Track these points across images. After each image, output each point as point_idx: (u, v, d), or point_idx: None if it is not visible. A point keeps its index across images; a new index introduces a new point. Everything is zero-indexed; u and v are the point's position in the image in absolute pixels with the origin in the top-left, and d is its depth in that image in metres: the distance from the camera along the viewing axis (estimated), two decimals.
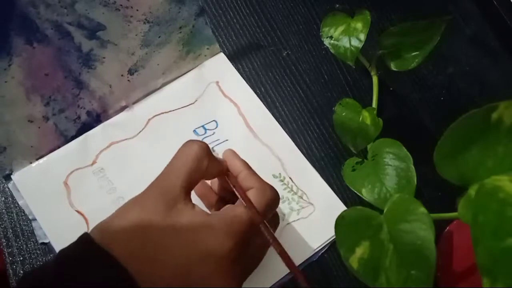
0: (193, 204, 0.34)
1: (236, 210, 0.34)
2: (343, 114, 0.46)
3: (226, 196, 0.40)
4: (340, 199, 0.46)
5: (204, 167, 0.35)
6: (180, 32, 0.48)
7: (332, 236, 0.44)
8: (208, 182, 0.42)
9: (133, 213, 0.32)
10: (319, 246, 0.45)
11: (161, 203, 0.32)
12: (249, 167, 0.38)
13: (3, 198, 0.47)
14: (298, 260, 0.44)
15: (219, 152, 0.48)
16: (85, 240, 0.31)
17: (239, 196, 0.36)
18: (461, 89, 0.52)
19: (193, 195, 0.36)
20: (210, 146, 0.48)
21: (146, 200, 0.33)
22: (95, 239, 0.30)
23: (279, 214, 0.46)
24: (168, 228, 0.32)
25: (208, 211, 0.36)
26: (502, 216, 0.28)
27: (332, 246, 0.45)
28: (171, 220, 0.32)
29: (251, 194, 0.36)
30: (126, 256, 0.30)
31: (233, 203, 0.37)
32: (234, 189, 0.37)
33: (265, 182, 0.37)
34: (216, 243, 0.32)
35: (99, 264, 0.29)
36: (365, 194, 0.41)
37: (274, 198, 0.37)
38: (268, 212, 0.36)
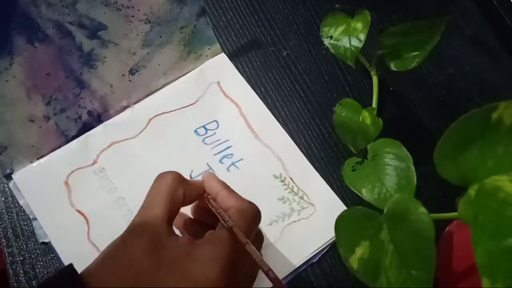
0: (177, 236, 0.34)
1: (218, 235, 0.34)
2: (343, 114, 0.46)
3: (207, 219, 0.40)
4: (340, 199, 0.46)
5: (180, 196, 0.35)
6: (181, 32, 0.49)
7: (333, 237, 0.44)
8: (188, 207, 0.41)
9: (120, 257, 0.32)
10: (320, 247, 0.45)
11: (145, 241, 0.32)
12: (227, 187, 0.38)
13: (3, 198, 0.47)
14: (298, 261, 0.44)
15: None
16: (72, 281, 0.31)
17: (219, 218, 0.35)
18: (461, 89, 0.52)
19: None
20: (211, 146, 0.48)
21: (131, 240, 0.33)
22: (83, 277, 0.30)
23: (280, 215, 0.46)
24: (155, 267, 0.31)
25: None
26: (502, 216, 0.29)
27: (333, 247, 0.45)
28: (157, 258, 0.32)
29: (230, 214, 0.35)
30: None
31: (215, 226, 0.36)
32: (214, 211, 0.36)
33: (244, 199, 0.37)
34: (202, 273, 0.31)
35: None
36: (365, 194, 0.41)
37: (255, 215, 0.36)
38: (250, 230, 0.35)
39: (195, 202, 0.40)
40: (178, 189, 0.35)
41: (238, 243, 0.33)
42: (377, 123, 0.45)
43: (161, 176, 0.36)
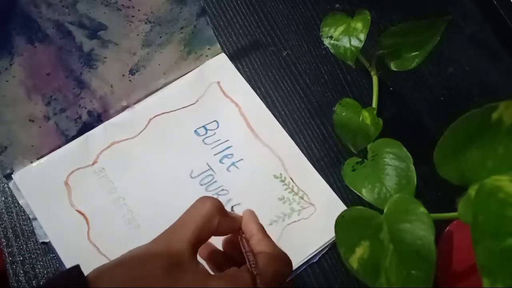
0: (198, 262, 0.33)
1: (239, 275, 0.33)
2: (343, 114, 0.46)
3: (235, 256, 0.39)
4: (340, 199, 0.46)
5: (215, 226, 0.35)
6: (182, 33, 0.49)
7: (333, 237, 0.44)
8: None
9: (137, 264, 0.32)
10: (320, 247, 0.44)
11: (165, 258, 0.32)
12: (263, 231, 0.37)
13: (3, 198, 0.47)
14: (298, 261, 0.44)
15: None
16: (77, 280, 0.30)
17: (247, 260, 0.35)
18: (461, 89, 0.52)
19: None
20: (211, 146, 0.48)
21: (152, 252, 0.33)
22: (89, 279, 0.30)
23: (280, 215, 0.46)
24: (168, 285, 0.31)
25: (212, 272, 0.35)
26: (502, 216, 0.29)
27: (332, 247, 0.45)
28: (173, 279, 0.31)
29: (259, 260, 0.34)
30: None
31: (240, 265, 0.36)
32: (244, 251, 0.36)
33: (277, 247, 0.36)
34: None
35: None
36: (365, 194, 0.41)
37: (285, 266, 0.35)
38: (275, 280, 0.34)
39: (228, 236, 0.39)
40: (214, 218, 0.35)
41: None
42: (377, 123, 0.45)
43: (201, 200, 0.36)
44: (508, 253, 0.27)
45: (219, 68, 0.52)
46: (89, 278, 0.30)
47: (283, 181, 0.47)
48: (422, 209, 0.35)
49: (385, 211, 0.38)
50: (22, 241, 0.45)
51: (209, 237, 0.35)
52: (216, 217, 0.35)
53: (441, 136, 0.34)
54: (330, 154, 0.49)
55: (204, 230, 0.34)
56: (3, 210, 0.46)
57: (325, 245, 0.45)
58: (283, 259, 0.35)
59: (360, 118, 0.46)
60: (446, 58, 0.53)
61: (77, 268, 0.30)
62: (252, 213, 0.39)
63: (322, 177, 0.47)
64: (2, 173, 0.46)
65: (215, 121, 0.50)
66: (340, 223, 0.39)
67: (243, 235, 0.37)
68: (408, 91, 0.52)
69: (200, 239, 0.34)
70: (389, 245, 0.35)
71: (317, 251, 0.45)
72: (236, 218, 0.38)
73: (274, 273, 0.34)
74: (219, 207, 0.35)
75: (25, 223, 0.46)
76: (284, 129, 0.49)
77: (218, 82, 0.51)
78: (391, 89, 0.52)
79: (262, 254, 0.35)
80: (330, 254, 0.45)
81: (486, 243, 0.28)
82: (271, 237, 0.44)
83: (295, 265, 0.44)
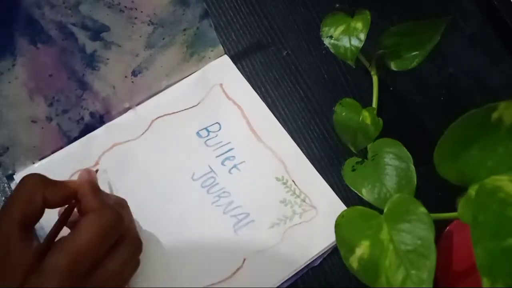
0: (29, 240, 0.34)
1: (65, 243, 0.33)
2: (343, 114, 0.47)
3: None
4: (340, 199, 0.46)
5: (39, 200, 0.35)
6: (184, 34, 0.49)
7: (335, 241, 0.44)
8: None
9: None
10: (321, 251, 0.44)
11: None
12: (95, 189, 0.38)
13: (4, 198, 0.47)
14: (299, 264, 0.44)
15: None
16: None
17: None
18: (461, 89, 0.52)
19: None
20: (213, 148, 0.48)
21: None
22: None
23: (282, 217, 0.45)
24: None
25: None
26: (502, 216, 0.29)
27: (334, 251, 0.45)
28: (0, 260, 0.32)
29: (87, 220, 0.34)
30: None
31: None
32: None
33: (106, 205, 0.36)
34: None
35: None
36: (365, 194, 0.41)
37: (111, 221, 0.35)
38: (102, 237, 0.34)
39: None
40: (37, 192, 0.35)
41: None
42: (377, 123, 0.45)
43: (22, 178, 0.36)
44: (508, 253, 0.27)
45: (222, 70, 0.52)
46: None
47: (285, 184, 0.47)
48: (422, 209, 0.35)
49: (385, 211, 0.38)
50: None
51: (40, 211, 0.36)
52: (39, 191, 0.35)
53: (441, 136, 0.34)
54: (330, 154, 0.49)
55: (28, 207, 0.35)
56: None
57: (327, 249, 0.44)
58: (110, 213, 0.35)
59: (360, 118, 0.46)
60: (446, 58, 0.53)
61: None
62: (87, 172, 0.39)
63: (322, 177, 0.47)
64: (4, 173, 0.47)
65: (217, 123, 0.50)
66: (340, 223, 0.39)
67: (73, 202, 0.37)
68: (408, 91, 0.52)
69: (28, 216, 0.35)
70: (389, 245, 0.35)
71: (318, 255, 0.44)
72: (68, 185, 0.38)
73: (100, 229, 0.34)
74: (42, 181, 0.36)
75: None
76: (284, 129, 0.49)
77: (221, 84, 0.51)
78: (391, 89, 0.52)
79: (90, 214, 0.35)
80: (333, 258, 0.45)
81: (486, 243, 0.28)
82: (272, 239, 0.44)
83: (296, 268, 0.43)
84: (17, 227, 0.34)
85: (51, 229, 0.36)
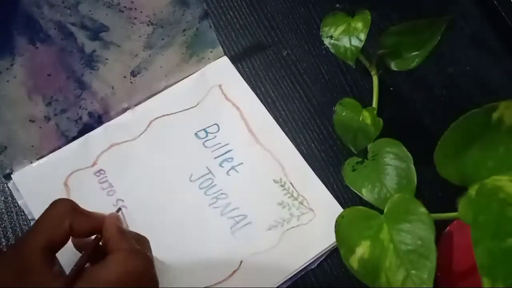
0: (52, 266, 0.33)
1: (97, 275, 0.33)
2: (343, 114, 0.47)
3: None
4: (340, 199, 0.46)
5: (66, 227, 0.35)
6: (184, 35, 0.49)
7: (332, 244, 0.44)
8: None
9: None
10: (319, 253, 0.44)
11: (14, 266, 0.32)
12: (122, 233, 0.37)
13: (3, 198, 0.47)
14: (296, 267, 0.43)
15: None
16: None
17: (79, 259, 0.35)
18: (461, 89, 0.52)
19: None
20: (211, 149, 0.48)
21: (2, 260, 0.33)
22: None
23: (279, 220, 0.45)
24: None
25: None
26: (502, 216, 0.29)
27: (332, 254, 0.44)
28: (21, 284, 0.32)
29: (119, 257, 0.34)
30: None
31: None
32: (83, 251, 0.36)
33: (138, 249, 0.36)
34: None
35: None
36: (365, 194, 0.41)
37: (144, 266, 0.35)
38: (134, 276, 0.34)
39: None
40: (65, 219, 0.35)
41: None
42: (377, 123, 0.45)
43: (52, 203, 0.36)
44: (508, 253, 0.27)
45: (221, 71, 0.52)
46: None
47: (283, 186, 0.47)
48: (422, 209, 0.35)
49: (385, 211, 0.38)
50: None
51: (65, 238, 0.35)
52: (67, 219, 0.35)
53: (442, 136, 0.34)
54: (330, 154, 0.49)
55: (55, 233, 0.34)
56: (3, 210, 0.46)
57: (324, 252, 0.44)
58: (141, 255, 0.35)
59: (360, 118, 0.46)
60: (446, 58, 0.53)
61: None
62: (115, 218, 0.38)
63: (322, 177, 0.47)
64: (1, 173, 0.46)
65: (215, 124, 0.49)
66: (341, 223, 0.39)
67: (98, 237, 0.37)
68: (408, 91, 0.52)
69: (53, 242, 0.34)
70: (389, 245, 0.35)
71: (316, 257, 0.44)
72: (96, 217, 0.37)
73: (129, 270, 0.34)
74: (71, 207, 0.36)
75: (25, 223, 0.46)
76: (284, 129, 0.49)
77: (220, 85, 0.51)
78: (391, 89, 0.52)
79: (119, 250, 0.35)
80: (330, 261, 0.44)
81: (486, 243, 0.28)
82: (269, 242, 0.44)
83: (292, 271, 0.43)
84: (40, 251, 0.33)
85: (80, 259, 0.35)
